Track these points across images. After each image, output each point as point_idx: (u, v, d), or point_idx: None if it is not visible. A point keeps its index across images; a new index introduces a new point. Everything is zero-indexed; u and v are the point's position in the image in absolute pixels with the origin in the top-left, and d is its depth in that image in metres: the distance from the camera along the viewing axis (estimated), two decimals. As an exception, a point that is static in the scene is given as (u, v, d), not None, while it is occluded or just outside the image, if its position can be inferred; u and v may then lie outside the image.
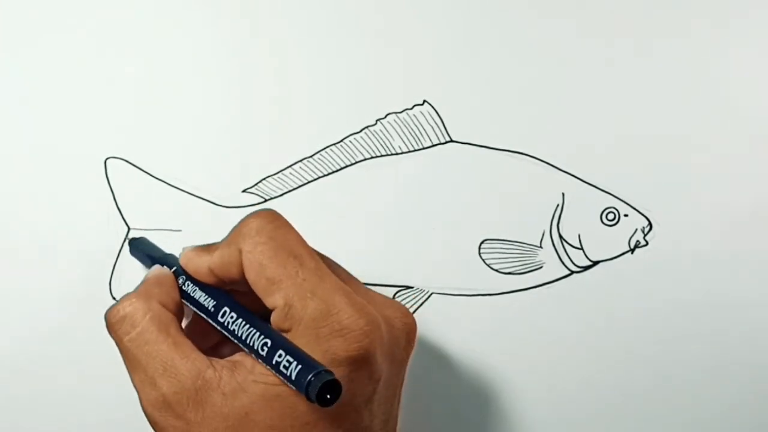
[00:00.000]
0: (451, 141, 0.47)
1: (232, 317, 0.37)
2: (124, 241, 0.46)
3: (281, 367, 0.34)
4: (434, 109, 0.47)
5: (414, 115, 0.47)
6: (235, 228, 0.38)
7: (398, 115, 0.47)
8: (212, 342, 0.41)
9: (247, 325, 0.36)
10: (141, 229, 0.46)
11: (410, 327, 0.39)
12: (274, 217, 0.38)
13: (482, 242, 0.47)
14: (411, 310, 0.46)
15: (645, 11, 0.47)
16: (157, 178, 0.46)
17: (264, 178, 0.46)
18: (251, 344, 0.36)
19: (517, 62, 0.47)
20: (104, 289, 0.46)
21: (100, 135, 0.46)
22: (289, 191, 0.47)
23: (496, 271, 0.47)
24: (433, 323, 0.47)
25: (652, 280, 0.47)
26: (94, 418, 0.46)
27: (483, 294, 0.47)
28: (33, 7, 0.45)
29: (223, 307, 0.37)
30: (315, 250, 0.38)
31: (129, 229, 0.46)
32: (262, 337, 0.35)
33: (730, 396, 0.48)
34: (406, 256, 0.47)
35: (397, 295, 0.47)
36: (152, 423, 0.37)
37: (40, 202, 0.45)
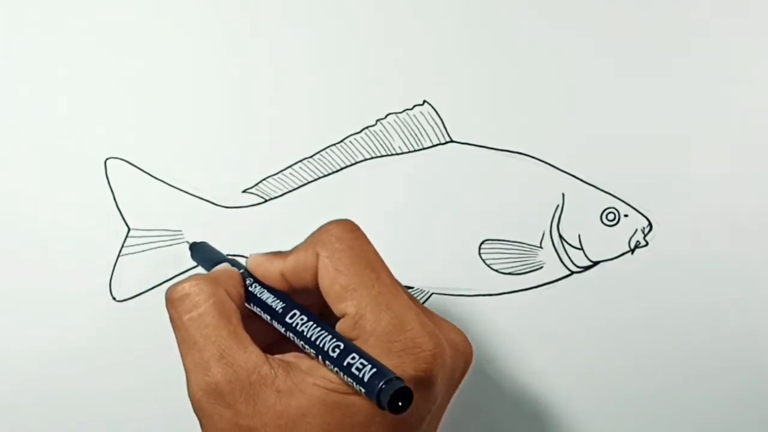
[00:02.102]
0: (451, 141, 0.47)
1: (302, 319, 0.36)
2: (124, 241, 0.46)
3: (353, 369, 0.34)
4: (434, 109, 0.47)
5: (414, 115, 0.47)
6: (313, 234, 0.38)
7: (398, 115, 0.47)
8: (261, 347, 0.40)
9: (318, 327, 0.36)
10: (141, 229, 0.46)
11: (469, 354, 0.39)
12: (354, 227, 0.38)
13: (482, 242, 0.47)
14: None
15: (645, 12, 0.47)
16: (157, 178, 0.46)
17: (264, 178, 0.46)
18: (321, 345, 0.35)
19: (517, 62, 0.47)
20: (104, 289, 0.46)
21: (100, 135, 0.46)
22: (289, 191, 0.47)
23: (496, 271, 0.47)
24: (433, 323, 0.47)
25: (652, 280, 0.47)
26: (94, 416, 0.46)
27: (483, 294, 0.47)
28: (33, 7, 0.46)
29: (292, 309, 0.37)
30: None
31: (129, 229, 0.46)
32: (333, 339, 0.35)
33: (731, 396, 0.48)
34: (406, 256, 0.47)
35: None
36: (197, 408, 0.36)
37: (40, 202, 0.45)
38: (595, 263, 0.47)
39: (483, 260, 0.47)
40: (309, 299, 0.38)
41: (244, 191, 0.46)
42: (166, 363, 0.43)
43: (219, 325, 0.36)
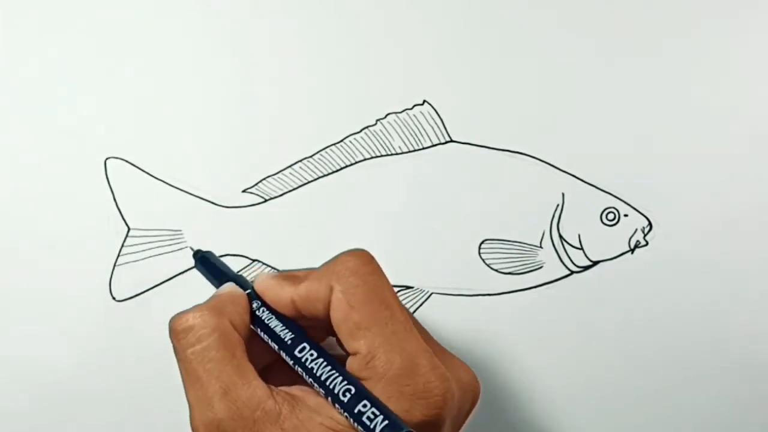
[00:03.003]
0: (451, 141, 0.47)
1: (312, 355, 0.35)
2: (124, 240, 0.46)
3: (364, 418, 0.33)
4: (434, 109, 0.47)
5: (414, 115, 0.47)
6: (327, 263, 0.37)
7: (398, 115, 0.47)
8: (257, 368, 0.39)
9: (329, 367, 0.35)
10: (141, 229, 0.46)
11: (476, 391, 0.38)
12: (369, 259, 0.37)
13: (482, 242, 0.47)
14: (411, 310, 0.46)
15: (645, 11, 0.47)
16: (157, 178, 0.46)
17: (264, 178, 0.46)
18: (331, 387, 0.34)
19: (517, 62, 0.47)
20: (104, 290, 0.46)
21: (100, 135, 0.46)
22: (289, 191, 0.47)
23: (496, 271, 0.47)
24: (433, 323, 0.47)
25: (652, 280, 0.47)
26: (94, 416, 0.46)
27: (483, 294, 0.47)
28: (33, 7, 0.46)
29: (302, 342, 0.36)
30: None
31: (129, 228, 0.46)
32: (344, 382, 0.34)
33: (731, 396, 0.48)
34: (406, 256, 0.47)
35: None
36: None
37: (40, 202, 0.45)
38: (595, 263, 0.47)
39: (483, 260, 0.47)
40: (314, 323, 0.37)
41: (244, 191, 0.46)
42: (165, 363, 0.43)
43: (223, 359, 0.35)
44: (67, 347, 0.45)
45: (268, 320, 0.37)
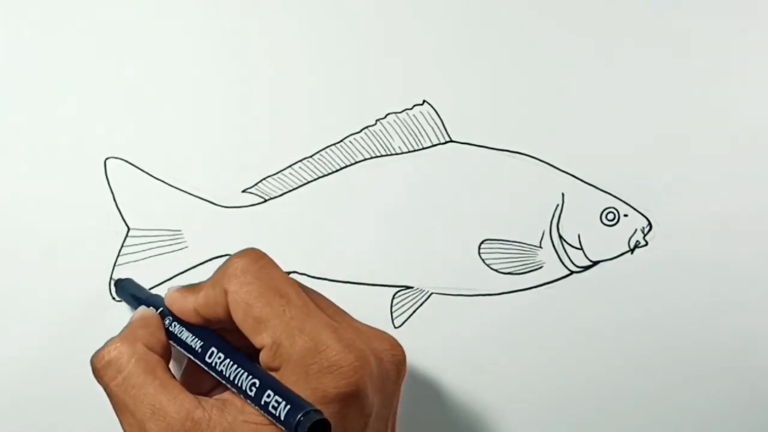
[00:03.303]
0: (451, 141, 0.47)
1: (219, 357, 0.37)
2: (124, 241, 0.46)
3: (270, 408, 0.34)
4: (434, 109, 0.47)
5: (414, 115, 0.47)
6: (219, 268, 0.38)
7: (398, 115, 0.47)
8: (210, 384, 0.40)
9: (235, 366, 0.36)
10: (141, 229, 0.46)
11: (399, 358, 0.38)
12: (258, 256, 0.38)
13: (482, 242, 0.47)
14: (411, 310, 0.46)
15: (645, 11, 0.47)
16: (157, 178, 0.46)
17: (264, 178, 0.46)
18: (239, 385, 0.35)
19: (517, 62, 0.47)
20: (104, 290, 0.46)
21: (100, 135, 0.46)
22: (289, 191, 0.47)
23: (496, 271, 0.47)
24: (433, 323, 0.47)
25: (652, 280, 0.47)
26: (94, 416, 0.46)
27: (483, 294, 0.47)
28: (33, 6, 0.45)
29: (210, 348, 0.37)
30: (302, 285, 0.38)
31: (129, 228, 0.46)
32: (250, 377, 0.35)
33: (731, 396, 0.48)
34: (406, 256, 0.47)
35: (396, 295, 0.47)
36: None
37: (40, 201, 0.45)
38: (595, 263, 0.47)
39: (483, 260, 0.47)
40: (233, 326, 0.38)
41: (244, 191, 0.46)
42: (166, 363, 0.43)
43: (144, 383, 0.36)
44: (67, 347, 0.45)
45: (179, 333, 0.39)
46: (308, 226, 0.47)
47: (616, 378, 0.47)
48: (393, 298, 0.46)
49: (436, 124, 0.47)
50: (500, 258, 0.47)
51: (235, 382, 0.36)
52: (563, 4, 0.47)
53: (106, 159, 0.46)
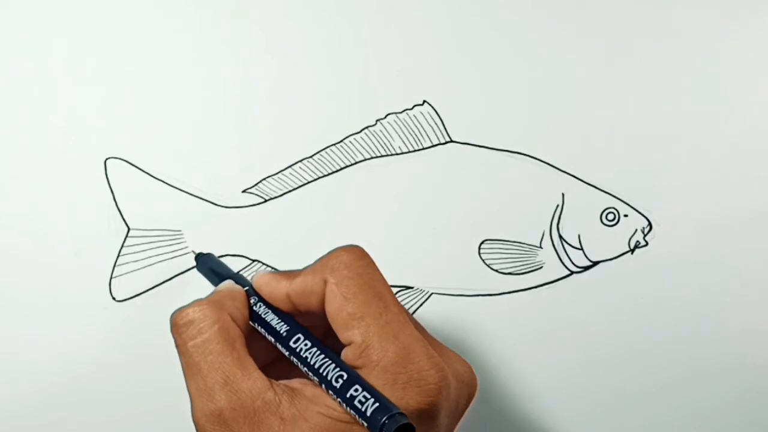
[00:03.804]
0: (451, 141, 0.47)
1: (306, 345, 0.36)
2: (124, 241, 0.46)
3: (356, 402, 0.33)
4: (434, 109, 0.47)
5: (414, 116, 0.47)
6: (321, 258, 0.37)
7: (398, 115, 0.47)
8: (260, 365, 0.40)
9: (322, 355, 0.35)
10: (141, 229, 0.46)
11: (474, 385, 0.38)
12: (363, 254, 0.37)
13: (482, 242, 0.47)
14: (411, 310, 0.47)
15: (645, 11, 0.47)
16: (157, 178, 0.46)
17: (264, 178, 0.46)
18: (324, 374, 0.35)
19: (517, 62, 0.47)
20: (104, 290, 0.46)
21: (100, 135, 0.46)
22: (289, 191, 0.47)
23: (496, 271, 0.47)
24: (433, 323, 0.47)
25: (652, 280, 0.47)
26: (94, 415, 0.46)
27: (483, 294, 0.47)
28: (33, 7, 0.46)
29: (296, 333, 0.37)
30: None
31: (129, 228, 0.46)
32: (337, 369, 0.35)
33: (731, 396, 0.48)
34: (406, 256, 0.47)
35: (397, 295, 0.47)
36: None
37: (40, 202, 0.45)
38: (595, 263, 0.47)
39: (483, 260, 0.47)
40: (313, 321, 0.37)
41: (244, 191, 0.46)
42: (165, 362, 0.43)
43: (223, 351, 0.36)
44: (67, 347, 0.45)
45: (264, 314, 0.38)
46: (308, 226, 0.47)
47: (616, 378, 0.47)
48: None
49: (436, 124, 0.47)
50: (500, 258, 0.47)
51: (320, 370, 0.35)
52: (563, 5, 0.47)
53: (106, 159, 0.46)
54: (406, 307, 0.47)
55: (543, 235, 0.47)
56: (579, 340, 0.47)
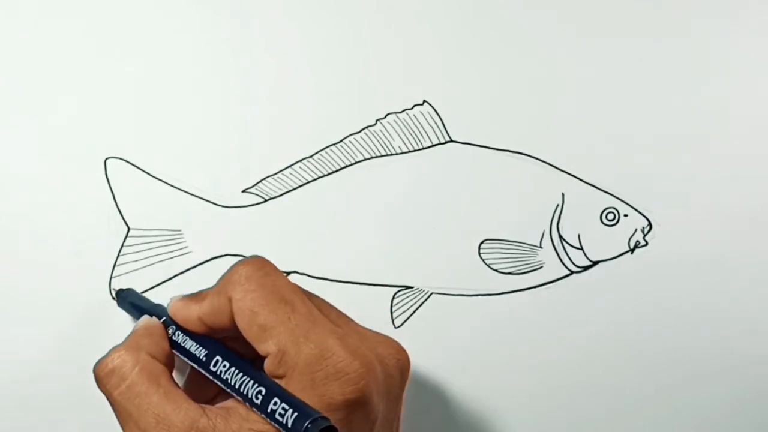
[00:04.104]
0: (451, 141, 0.47)
1: (224, 366, 0.37)
2: (124, 240, 0.46)
3: (276, 415, 0.34)
4: (434, 109, 0.47)
5: (414, 115, 0.47)
6: (223, 276, 0.38)
7: (398, 115, 0.47)
8: (212, 393, 0.40)
9: (240, 374, 0.36)
10: (141, 229, 0.46)
11: (404, 363, 0.39)
12: (262, 263, 0.38)
13: (482, 242, 0.47)
14: (411, 310, 0.46)
15: (645, 11, 0.47)
16: (157, 178, 0.46)
17: (264, 178, 0.46)
18: (245, 393, 0.35)
19: (517, 62, 0.47)
20: (104, 290, 0.46)
21: (100, 135, 0.46)
22: (289, 191, 0.47)
23: (496, 271, 0.47)
24: (433, 323, 0.47)
25: (652, 280, 0.47)
26: (94, 415, 0.46)
27: (483, 294, 0.47)
28: (33, 7, 0.45)
29: (215, 356, 0.37)
30: (305, 291, 0.38)
31: (129, 228, 0.46)
32: (256, 385, 0.35)
33: (731, 396, 0.48)
34: (406, 256, 0.47)
35: (397, 295, 0.47)
36: None
37: (40, 202, 0.45)
38: (595, 263, 0.47)
39: (483, 260, 0.47)
40: (237, 334, 0.38)
41: (244, 191, 0.46)
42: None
43: (148, 392, 0.36)
44: (67, 347, 0.45)
45: (183, 342, 0.38)
46: (308, 226, 0.47)
47: (616, 378, 0.47)
48: (393, 298, 0.46)
49: (436, 124, 0.47)
50: (500, 258, 0.47)
51: (241, 390, 0.36)
52: (563, 5, 0.47)
53: (106, 159, 0.46)
54: (406, 307, 0.47)
55: (543, 235, 0.47)
56: (579, 340, 0.47)
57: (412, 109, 0.47)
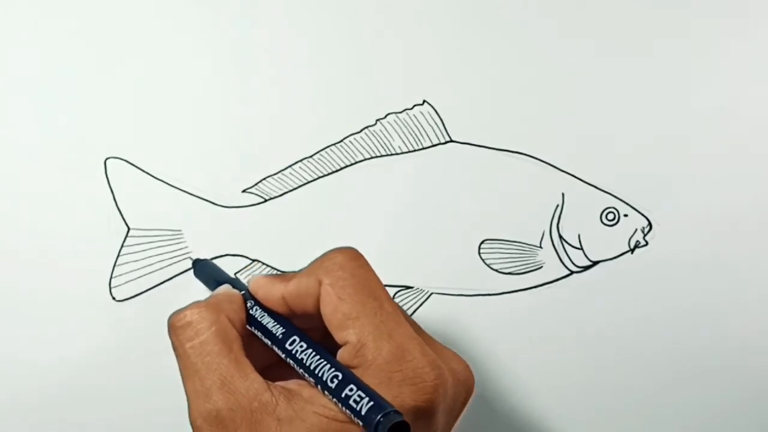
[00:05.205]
0: (451, 141, 0.47)
1: (301, 346, 0.36)
2: (124, 241, 0.46)
3: (351, 401, 0.34)
4: (434, 109, 0.47)
5: (414, 115, 0.47)
6: (316, 260, 0.38)
7: (398, 115, 0.47)
8: (258, 368, 0.40)
9: (317, 356, 0.36)
10: (141, 229, 0.46)
11: (471, 382, 0.38)
12: (357, 255, 0.38)
13: (482, 242, 0.47)
14: (411, 310, 0.47)
15: (645, 11, 0.47)
16: (157, 178, 0.46)
17: (264, 178, 0.46)
18: (320, 375, 0.35)
19: (517, 62, 0.47)
20: (104, 289, 0.46)
21: (100, 135, 0.46)
22: (289, 191, 0.47)
23: (496, 271, 0.47)
24: (433, 323, 0.47)
25: (652, 280, 0.47)
26: (94, 416, 0.46)
27: (483, 294, 0.47)
28: (33, 7, 0.46)
29: (292, 336, 0.37)
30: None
31: (129, 228, 0.46)
32: (332, 369, 0.35)
33: (731, 396, 0.48)
34: (406, 256, 0.47)
35: (397, 295, 0.47)
36: None
37: (40, 202, 0.45)
38: (595, 263, 0.47)
39: (483, 260, 0.47)
40: (310, 323, 0.38)
41: (244, 191, 0.46)
42: (165, 363, 0.43)
43: (221, 353, 0.36)
44: (67, 347, 0.45)
45: (260, 318, 0.38)
46: (308, 226, 0.47)
47: (616, 378, 0.47)
48: (393, 298, 0.47)
49: (436, 124, 0.47)
50: (500, 258, 0.47)
51: (316, 372, 0.35)
52: (563, 5, 0.47)
53: (106, 159, 0.46)
54: (406, 307, 0.47)
55: (543, 235, 0.47)
56: (579, 339, 0.47)
57: (412, 109, 0.47)
